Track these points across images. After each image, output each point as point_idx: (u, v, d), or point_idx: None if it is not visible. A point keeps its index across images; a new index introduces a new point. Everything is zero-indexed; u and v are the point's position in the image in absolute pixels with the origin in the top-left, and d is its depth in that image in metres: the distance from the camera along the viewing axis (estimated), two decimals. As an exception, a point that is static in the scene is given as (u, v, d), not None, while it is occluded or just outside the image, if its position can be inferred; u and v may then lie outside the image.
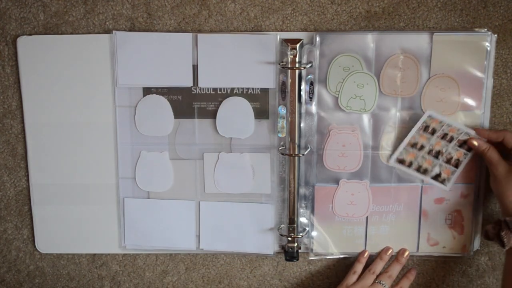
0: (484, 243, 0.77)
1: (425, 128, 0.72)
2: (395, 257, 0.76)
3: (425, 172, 0.73)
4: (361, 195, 0.74)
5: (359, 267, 0.75)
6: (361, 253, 0.76)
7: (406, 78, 0.71)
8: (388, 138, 0.73)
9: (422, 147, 0.73)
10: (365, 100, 0.72)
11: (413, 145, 0.73)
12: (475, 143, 0.70)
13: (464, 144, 0.72)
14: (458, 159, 0.72)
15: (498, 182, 0.68)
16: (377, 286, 0.73)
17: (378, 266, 0.75)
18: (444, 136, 0.72)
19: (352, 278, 0.74)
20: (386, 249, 0.76)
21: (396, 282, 0.76)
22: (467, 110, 0.72)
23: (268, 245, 0.77)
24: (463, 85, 0.71)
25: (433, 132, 0.72)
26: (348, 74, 0.71)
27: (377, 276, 0.74)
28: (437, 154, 0.73)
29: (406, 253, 0.76)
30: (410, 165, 0.73)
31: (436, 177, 0.73)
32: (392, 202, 0.75)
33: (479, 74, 0.70)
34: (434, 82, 0.71)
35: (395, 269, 0.75)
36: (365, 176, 0.74)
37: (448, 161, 0.73)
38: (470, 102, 0.71)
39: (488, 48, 0.70)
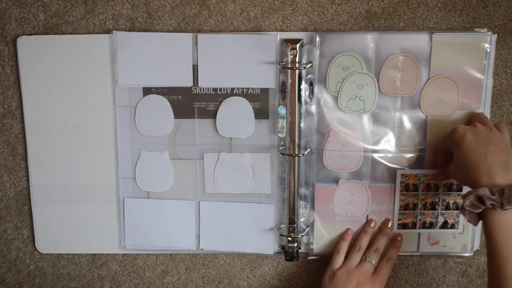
0: (484, 243, 0.77)
1: (406, 187, 0.73)
2: (380, 229, 0.75)
3: (431, 225, 0.74)
4: (361, 195, 0.74)
5: (343, 245, 0.74)
6: (345, 231, 0.75)
7: (406, 78, 0.71)
8: (388, 138, 0.73)
9: (415, 206, 0.74)
10: (365, 101, 0.72)
11: (405, 207, 0.74)
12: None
13: (452, 185, 0.73)
14: (455, 202, 0.74)
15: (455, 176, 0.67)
16: (364, 265, 0.71)
17: (364, 241, 0.74)
18: (428, 187, 0.73)
19: (338, 260, 0.73)
20: (370, 221, 0.75)
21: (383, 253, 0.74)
22: (467, 109, 0.72)
23: (268, 245, 0.77)
24: (462, 86, 0.71)
25: (416, 188, 0.73)
26: (348, 75, 0.71)
27: (365, 252, 0.73)
28: (433, 206, 0.74)
29: (390, 223, 0.74)
30: (414, 226, 0.74)
31: (444, 226, 0.74)
32: (391, 201, 0.75)
33: (478, 75, 0.70)
34: (434, 83, 0.71)
35: (381, 241, 0.73)
36: (365, 176, 0.74)
37: (447, 207, 0.74)
38: (470, 103, 0.71)
39: (488, 48, 0.70)
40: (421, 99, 0.71)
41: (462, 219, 0.74)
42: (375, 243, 0.73)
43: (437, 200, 0.74)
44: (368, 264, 0.71)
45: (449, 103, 0.71)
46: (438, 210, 0.74)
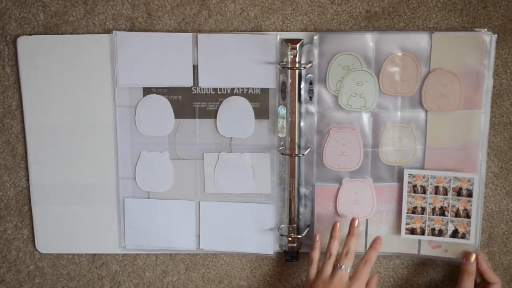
0: (484, 243, 0.77)
1: (414, 188, 0.72)
2: (348, 231, 0.71)
3: (440, 233, 0.72)
4: (365, 194, 0.74)
5: (315, 255, 0.72)
6: (313, 239, 0.72)
7: (406, 77, 0.71)
8: (388, 137, 0.73)
9: (423, 209, 0.72)
10: (365, 98, 0.72)
11: (413, 210, 0.73)
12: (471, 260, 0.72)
13: (461, 190, 0.71)
14: (465, 209, 0.72)
15: None
16: (338, 273, 0.68)
17: (333, 247, 0.70)
18: (436, 190, 0.72)
19: (312, 271, 0.71)
20: (334, 225, 0.71)
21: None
22: (467, 109, 0.71)
23: (268, 245, 0.77)
24: (464, 79, 0.70)
25: (424, 190, 0.72)
26: (347, 72, 0.71)
27: (337, 258, 0.70)
28: (442, 211, 0.72)
29: (356, 223, 0.71)
30: (423, 232, 0.73)
31: (455, 234, 0.72)
32: (392, 201, 0.74)
33: (479, 68, 0.70)
34: (435, 77, 0.70)
35: (352, 243, 0.70)
36: (365, 175, 0.74)
37: (457, 214, 0.72)
38: (472, 96, 0.70)
39: (488, 48, 0.70)
40: (423, 94, 0.71)
41: (473, 228, 0.72)
42: (345, 246, 0.70)
43: (446, 205, 0.72)
44: (341, 272, 0.68)
45: (451, 97, 0.70)
46: (447, 216, 0.72)
